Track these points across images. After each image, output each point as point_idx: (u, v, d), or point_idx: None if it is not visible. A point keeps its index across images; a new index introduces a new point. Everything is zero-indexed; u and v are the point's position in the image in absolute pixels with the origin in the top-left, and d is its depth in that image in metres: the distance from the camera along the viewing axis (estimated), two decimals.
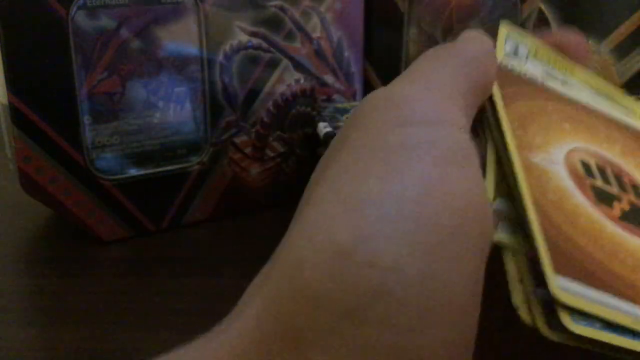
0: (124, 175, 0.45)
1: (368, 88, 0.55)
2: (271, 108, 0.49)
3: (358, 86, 0.53)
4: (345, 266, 0.16)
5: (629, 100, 0.28)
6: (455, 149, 0.18)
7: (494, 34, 0.25)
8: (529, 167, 0.21)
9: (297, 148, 0.51)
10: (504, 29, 0.26)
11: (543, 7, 0.45)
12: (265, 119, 0.49)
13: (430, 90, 0.19)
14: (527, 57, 0.26)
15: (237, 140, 0.49)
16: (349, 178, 0.17)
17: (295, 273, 0.16)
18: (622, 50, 0.42)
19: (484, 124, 0.23)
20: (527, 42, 0.26)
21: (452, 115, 0.19)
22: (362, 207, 0.16)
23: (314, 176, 0.20)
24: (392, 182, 0.17)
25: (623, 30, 0.42)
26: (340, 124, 0.45)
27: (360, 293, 0.16)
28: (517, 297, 0.19)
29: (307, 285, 0.16)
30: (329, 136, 0.43)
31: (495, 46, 0.24)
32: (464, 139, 0.18)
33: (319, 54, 0.50)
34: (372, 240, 0.16)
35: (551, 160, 0.22)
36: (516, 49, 0.26)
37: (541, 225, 0.19)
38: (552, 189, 0.21)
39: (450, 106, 0.19)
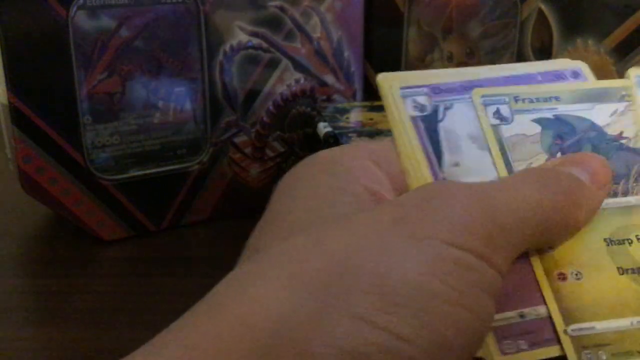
0: (124, 175, 0.45)
1: (368, 88, 0.55)
2: (271, 108, 0.49)
3: (358, 86, 0.53)
4: (365, 326, 0.18)
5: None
6: (488, 282, 0.21)
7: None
8: None
9: (297, 148, 0.51)
10: (477, 96, 0.25)
11: (543, 7, 0.45)
12: (265, 119, 0.49)
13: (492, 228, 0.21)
14: (512, 114, 0.25)
15: (237, 140, 0.48)
16: (391, 264, 0.20)
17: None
18: (622, 50, 0.42)
19: None
20: (502, 94, 0.25)
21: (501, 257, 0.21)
22: (395, 290, 0.19)
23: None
24: (430, 283, 0.20)
25: (623, 30, 0.42)
26: (341, 124, 0.45)
27: (369, 344, 0.18)
28: None
29: (326, 325, 0.18)
30: (329, 136, 0.43)
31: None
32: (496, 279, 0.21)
33: (319, 54, 0.50)
34: (397, 314, 0.19)
35: None
36: (498, 111, 0.25)
37: None
38: None
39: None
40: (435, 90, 0.25)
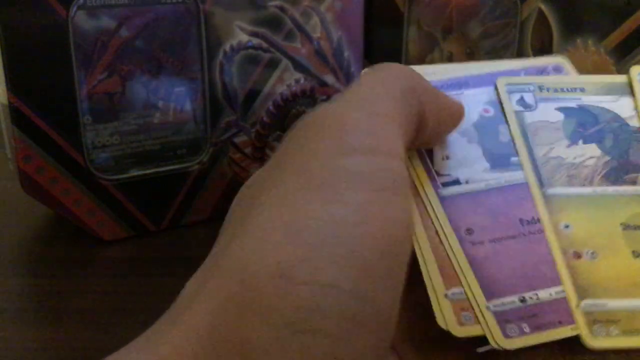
0: (124, 175, 0.45)
1: None
2: (271, 108, 0.49)
3: None
4: (288, 285, 0.18)
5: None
6: (391, 178, 0.20)
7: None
8: None
9: None
10: (502, 84, 0.26)
11: (543, 7, 0.45)
12: (265, 119, 0.49)
13: (374, 119, 0.21)
14: (536, 102, 0.26)
15: (237, 140, 0.49)
16: (292, 202, 0.19)
17: (242, 291, 0.18)
18: (622, 50, 0.43)
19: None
20: (527, 83, 0.27)
21: (391, 145, 0.21)
22: (305, 232, 0.19)
23: (253, 188, 0.22)
24: (333, 209, 0.19)
25: (623, 30, 0.42)
26: None
27: (300, 307, 0.18)
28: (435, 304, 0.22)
29: (254, 302, 0.18)
30: None
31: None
32: (399, 169, 0.21)
33: (319, 54, 0.50)
34: (312, 261, 0.18)
35: None
36: (522, 98, 0.26)
37: None
38: None
39: (391, 135, 0.21)
40: None
